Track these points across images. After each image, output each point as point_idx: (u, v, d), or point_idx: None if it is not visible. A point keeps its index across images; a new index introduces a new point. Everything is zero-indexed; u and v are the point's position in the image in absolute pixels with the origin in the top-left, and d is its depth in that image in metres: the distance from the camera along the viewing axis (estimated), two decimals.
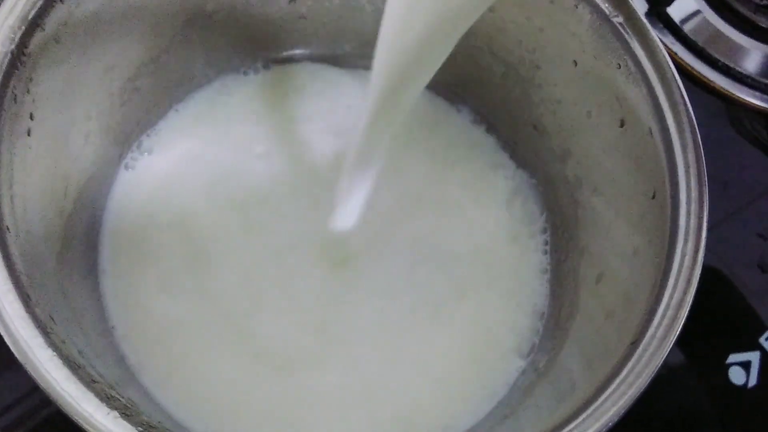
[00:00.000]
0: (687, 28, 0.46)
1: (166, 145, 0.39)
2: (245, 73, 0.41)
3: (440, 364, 0.36)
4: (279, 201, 0.39)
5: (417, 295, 0.37)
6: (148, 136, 0.39)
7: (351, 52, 0.41)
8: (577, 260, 0.36)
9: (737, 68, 0.45)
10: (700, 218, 0.28)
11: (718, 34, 0.46)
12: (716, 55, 0.45)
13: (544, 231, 0.39)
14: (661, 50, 0.30)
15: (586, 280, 0.35)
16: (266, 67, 0.41)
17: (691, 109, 0.29)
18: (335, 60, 0.42)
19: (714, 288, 0.42)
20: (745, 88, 0.45)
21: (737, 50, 0.45)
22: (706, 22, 0.46)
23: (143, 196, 0.38)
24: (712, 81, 0.45)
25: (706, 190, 0.28)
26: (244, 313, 0.36)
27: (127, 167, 0.38)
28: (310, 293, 0.37)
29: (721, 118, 0.45)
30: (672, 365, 0.40)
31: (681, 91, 0.29)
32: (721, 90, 0.45)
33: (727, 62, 0.45)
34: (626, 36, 0.30)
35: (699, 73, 0.45)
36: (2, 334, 0.25)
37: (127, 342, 0.35)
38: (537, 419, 0.30)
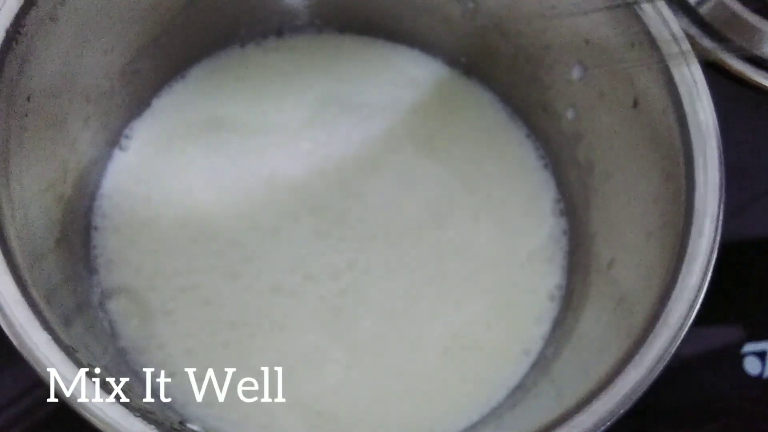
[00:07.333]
0: (703, 10, 0.45)
1: (168, 127, 0.38)
2: (249, 49, 0.40)
3: (452, 350, 0.35)
4: (285, 178, 0.38)
5: (425, 279, 0.37)
6: (149, 118, 0.38)
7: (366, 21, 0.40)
8: (587, 245, 0.35)
9: (755, 52, 0.44)
10: (718, 200, 0.27)
11: (735, 17, 0.44)
12: (733, 38, 0.44)
13: (559, 215, 0.38)
14: (676, 28, 0.29)
15: (597, 265, 0.34)
16: (278, 37, 0.40)
17: (706, 86, 0.28)
18: (348, 29, 0.41)
19: (729, 277, 0.41)
20: (763, 72, 0.44)
21: (755, 33, 0.44)
22: (723, 5, 0.44)
23: (143, 180, 0.37)
24: (728, 64, 0.44)
25: (723, 170, 0.27)
26: (244, 298, 0.35)
27: (126, 150, 0.38)
28: (319, 281, 0.36)
29: (737, 102, 0.44)
30: (685, 355, 0.39)
31: (696, 69, 0.29)
32: (738, 74, 0.44)
33: (744, 45, 0.44)
34: (640, 14, 0.30)
35: (715, 56, 0.44)
36: None
37: (125, 328, 0.34)
38: (546, 406, 0.29)
